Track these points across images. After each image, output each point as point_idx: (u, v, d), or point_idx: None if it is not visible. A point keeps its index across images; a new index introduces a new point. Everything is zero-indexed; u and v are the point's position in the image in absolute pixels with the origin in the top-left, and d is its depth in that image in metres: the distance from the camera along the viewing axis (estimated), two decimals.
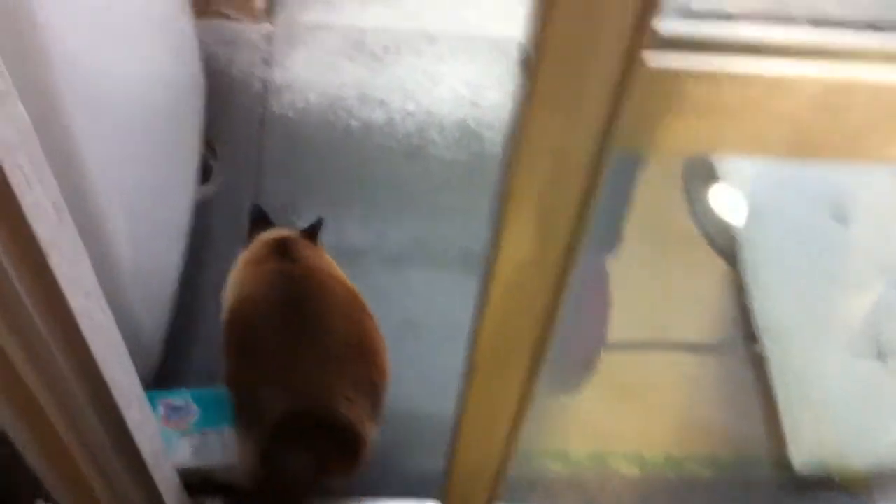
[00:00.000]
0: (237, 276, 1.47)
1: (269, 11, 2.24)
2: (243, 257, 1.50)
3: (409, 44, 2.24)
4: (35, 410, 0.79)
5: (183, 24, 1.82)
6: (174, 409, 1.46)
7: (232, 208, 1.87)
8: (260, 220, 1.61)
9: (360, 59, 2.19)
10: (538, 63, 0.58)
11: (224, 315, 1.43)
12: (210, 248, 1.81)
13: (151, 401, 1.46)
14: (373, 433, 1.32)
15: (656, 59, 0.61)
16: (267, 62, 2.15)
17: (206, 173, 1.91)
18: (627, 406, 1.70)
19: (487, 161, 2.04)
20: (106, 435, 0.92)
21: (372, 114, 2.09)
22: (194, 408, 1.47)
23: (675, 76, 0.63)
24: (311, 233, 1.55)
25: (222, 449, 1.43)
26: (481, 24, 2.31)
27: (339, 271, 1.49)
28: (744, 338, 1.82)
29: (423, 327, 1.76)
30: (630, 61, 0.57)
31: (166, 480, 1.16)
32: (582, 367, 1.71)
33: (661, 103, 0.64)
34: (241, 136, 2.01)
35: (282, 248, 1.46)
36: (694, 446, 1.67)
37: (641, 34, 0.55)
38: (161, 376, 1.58)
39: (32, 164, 0.62)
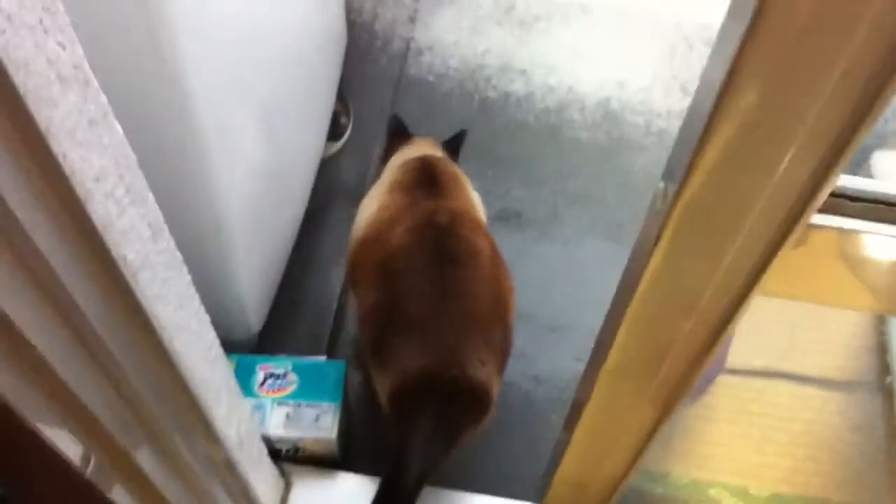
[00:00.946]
0: (381, 197, 1.43)
1: None
2: (388, 177, 1.46)
3: (561, 13, 2.13)
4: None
5: None
6: (273, 377, 1.45)
7: (357, 171, 1.84)
8: (399, 131, 1.60)
9: (507, 25, 2.10)
10: None
11: (360, 232, 1.40)
12: (328, 211, 1.78)
13: (251, 366, 1.47)
14: (498, 389, 1.30)
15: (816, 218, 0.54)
16: (412, 20, 2.08)
17: (336, 129, 1.88)
18: (740, 435, 1.60)
19: (625, 149, 1.93)
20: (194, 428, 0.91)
21: (511, 85, 2.00)
22: (293, 377, 1.46)
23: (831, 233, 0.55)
24: (454, 145, 1.53)
25: (317, 424, 1.42)
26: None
27: (479, 211, 1.47)
28: (877, 374, 1.68)
29: (533, 317, 1.70)
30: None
31: (253, 458, 1.16)
32: (695, 388, 1.61)
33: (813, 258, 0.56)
34: (375, 95, 1.96)
35: (428, 177, 1.43)
36: (806, 488, 1.57)
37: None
38: (263, 340, 1.58)
39: (127, 190, 0.58)
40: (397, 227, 1.34)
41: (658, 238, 0.60)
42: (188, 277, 0.76)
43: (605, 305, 0.79)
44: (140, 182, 0.61)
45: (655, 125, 1.96)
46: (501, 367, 1.31)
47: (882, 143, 1.92)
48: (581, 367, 0.92)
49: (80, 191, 0.54)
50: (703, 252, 0.59)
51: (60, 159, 0.51)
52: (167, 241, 0.67)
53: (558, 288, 1.73)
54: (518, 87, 2.01)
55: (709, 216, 0.57)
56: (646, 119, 1.97)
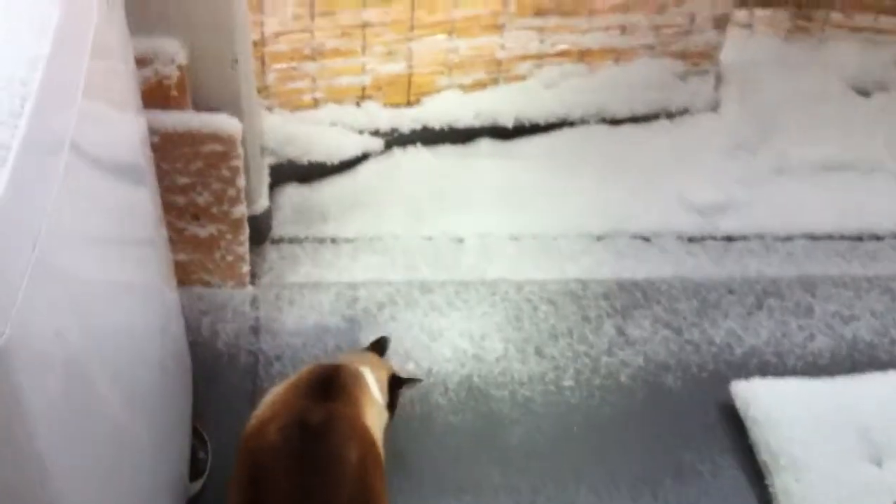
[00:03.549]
0: (276, 392, 1.53)
1: (254, 274, 2.13)
2: (291, 379, 1.55)
3: (403, 296, 2.13)
4: None
5: (167, 297, 1.69)
6: None
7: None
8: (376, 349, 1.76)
9: (353, 317, 2.07)
10: None
11: (247, 425, 1.48)
12: None
13: None
14: None
15: None
16: (254, 331, 2.02)
17: (196, 466, 1.74)
18: None
19: (497, 425, 1.89)
20: None
21: None
22: None
23: None
24: (399, 381, 1.66)
25: None
26: (476, 268, 2.22)
27: (373, 416, 1.52)
28: None
29: None
30: None
31: None
32: None
33: None
34: (231, 419, 1.84)
35: (323, 381, 1.51)
36: None
37: None
38: None
39: None
40: (272, 425, 1.41)
41: None
42: None
43: None
44: None
45: (520, 395, 1.95)
46: None
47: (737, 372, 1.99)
48: None
49: None
50: None
51: None
52: None
53: None
54: None
55: None
56: (510, 390, 1.95)
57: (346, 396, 1.51)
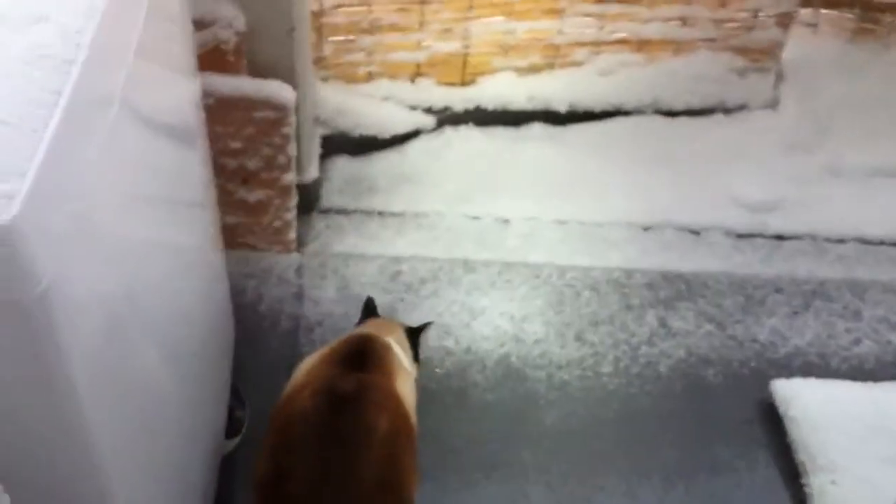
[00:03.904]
0: (311, 362, 1.53)
1: (300, 241, 2.15)
2: (324, 349, 1.55)
3: (446, 273, 2.13)
4: None
5: (213, 259, 1.71)
6: None
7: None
8: (370, 312, 1.74)
9: (395, 291, 2.08)
10: None
11: (282, 397, 1.49)
12: None
13: None
14: None
15: None
16: (297, 297, 2.03)
17: (232, 425, 1.76)
18: None
19: (532, 406, 1.89)
20: None
21: None
22: None
23: None
24: (417, 332, 1.68)
25: None
26: (520, 250, 2.21)
27: (406, 390, 1.52)
28: None
29: None
30: None
31: None
32: None
33: None
34: (270, 381, 1.86)
35: (356, 351, 1.52)
36: None
37: None
38: None
39: None
40: (304, 391, 1.42)
41: None
42: None
43: None
44: None
45: (558, 378, 1.94)
46: None
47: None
48: None
49: None
50: None
51: None
52: None
53: None
54: None
55: None
56: (547, 372, 1.95)
57: (379, 367, 1.51)
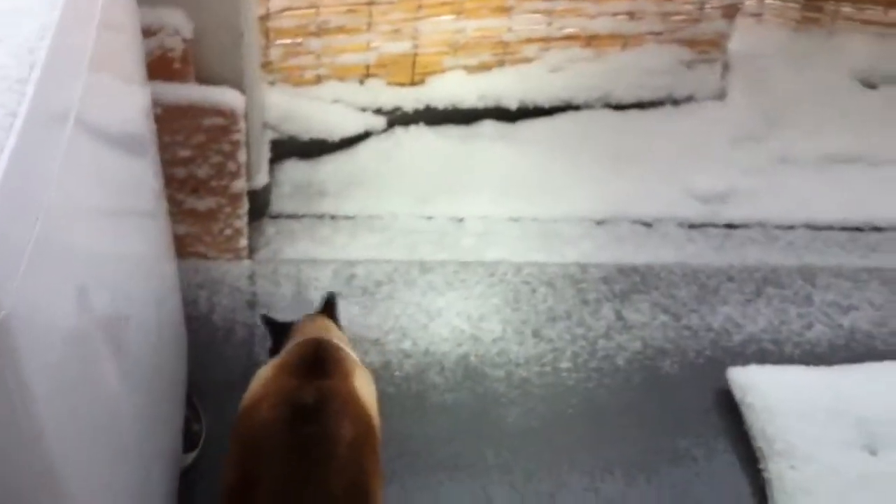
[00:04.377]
0: (267, 372, 1.51)
1: (251, 248, 2.13)
2: (277, 360, 1.53)
3: (401, 275, 2.12)
4: None
5: (167, 269, 1.69)
6: None
7: (217, 477, 1.68)
8: (275, 327, 1.69)
9: (350, 295, 2.06)
10: None
11: (241, 406, 1.47)
12: None
13: None
14: None
15: None
16: (251, 305, 2.01)
17: (190, 438, 1.74)
18: None
19: (492, 405, 1.89)
20: None
21: (366, 357, 1.94)
22: None
23: None
24: (331, 310, 1.69)
25: None
26: (476, 249, 2.21)
27: (366, 391, 1.50)
28: None
29: None
30: None
31: None
32: None
33: None
34: (226, 393, 1.83)
35: (311, 357, 1.50)
36: None
37: None
38: None
39: None
40: (264, 403, 1.40)
41: None
42: None
43: None
44: None
45: (517, 375, 1.94)
46: None
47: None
48: None
49: None
50: None
51: None
52: None
53: None
54: (373, 357, 1.94)
55: None
56: (506, 370, 1.95)
57: (336, 370, 1.50)
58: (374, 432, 1.47)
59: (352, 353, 1.58)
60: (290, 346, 1.57)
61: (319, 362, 1.49)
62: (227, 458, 1.41)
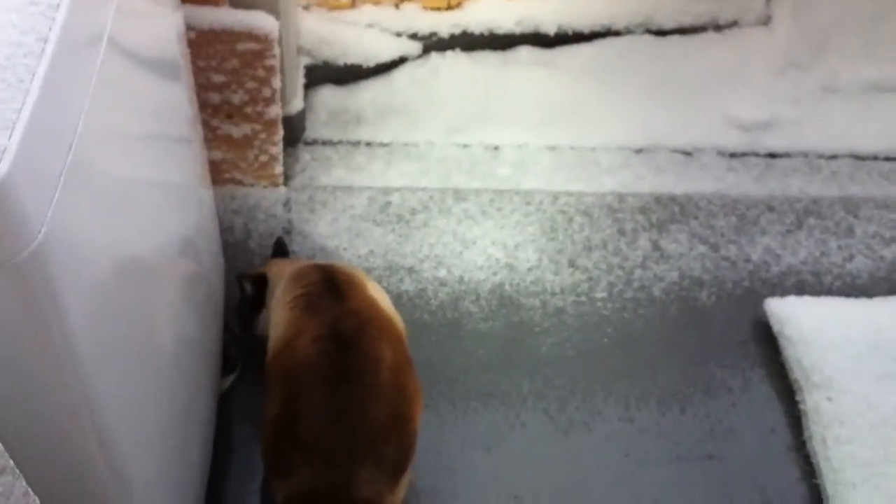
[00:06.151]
0: (285, 316, 1.49)
1: (286, 175, 2.12)
2: (291, 290, 1.52)
3: (437, 203, 2.11)
4: None
5: (203, 196, 1.69)
6: None
7: (255, 399, 1.71)
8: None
9: (386, 222, 2.06)
10: None
11: (271, 351, 1.48)
12: (233, 446, 1.64)
13: None
14: (396, 493, 1.37)
15: None
16: (286, 232, 2.01)
17: (227, 362, 1.76)
18: None
19: (527, 334, 1.89)
20: None
21: (401, 285, 1.94)
22: None
23: None
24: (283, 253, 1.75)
25: None
26: (512, 178, 2.19)
27: (385, 303, 1.54)
28: None
29: None
30: None
31: None
32: None
33: None
34: None
35: (328, 283, 1.50)
36: None
37: None
38: None
39: None
40: (302, 339, 1.41)
41: None
42: None
43: None
44: None
45: (552, 305, 1.94)
46: (397, 473, 1.37)
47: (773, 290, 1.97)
48: None
49: None
50: None
51: None
52: None
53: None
54: (408, 285, 1.95)
55: None
56: (541, 300, 1.94)
57: (353, 290, 1.51)
58: (404, 340, 1.50)
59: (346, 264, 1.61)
60: (281, 287, 1.56)
61: (332, 287, 1.50)
62: (267, 394, 1.43)
